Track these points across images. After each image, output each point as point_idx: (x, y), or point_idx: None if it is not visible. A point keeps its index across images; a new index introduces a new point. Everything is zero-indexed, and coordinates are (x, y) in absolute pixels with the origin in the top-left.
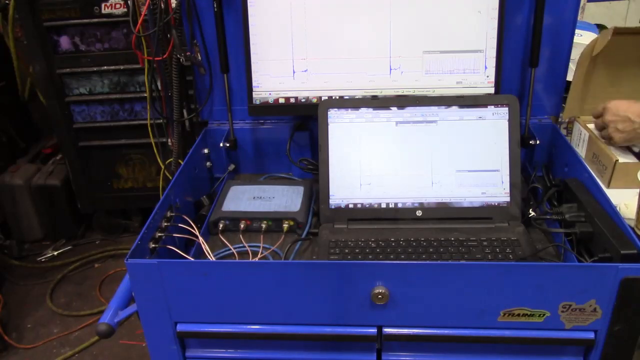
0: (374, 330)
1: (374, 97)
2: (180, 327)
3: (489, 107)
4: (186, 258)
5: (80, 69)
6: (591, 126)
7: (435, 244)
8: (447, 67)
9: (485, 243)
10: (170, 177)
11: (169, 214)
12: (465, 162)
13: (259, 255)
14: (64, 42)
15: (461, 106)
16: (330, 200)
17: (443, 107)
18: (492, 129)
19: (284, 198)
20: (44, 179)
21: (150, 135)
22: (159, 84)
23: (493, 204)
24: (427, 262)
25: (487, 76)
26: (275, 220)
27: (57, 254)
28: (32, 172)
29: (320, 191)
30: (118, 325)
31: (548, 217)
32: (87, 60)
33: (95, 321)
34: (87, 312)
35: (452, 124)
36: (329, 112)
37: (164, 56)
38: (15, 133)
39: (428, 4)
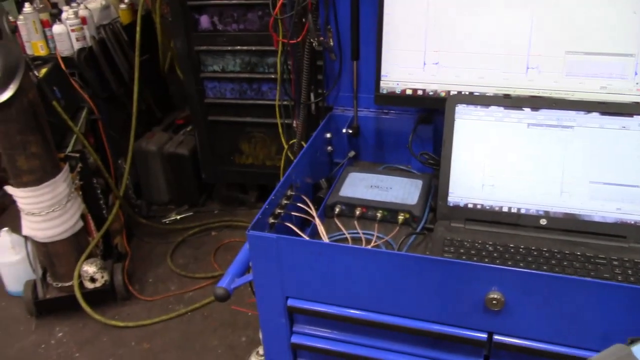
0: (484, 336)
1: (507, 96)
2: (290, 302)
3: (635, 116)
4: (302, 237)
5: (216, 47)
6: None
7: (558, 256)
8: (591, 69)
9: (615, 262)
10: (292, 158)
11: (289, 192)
12: (602, 174)
13: (372, 244)
14: (204, 21)
15: (603, 113)
16: (449, 197)
17: (582, 112)
18: (636, 141)
19: (402, 190)
20: (174, 147)
21: (277, 115)
22: (289, 66)
23: (629, 222)
24: (551, 273)
25: (637, 83)
26: (391, 211)
27: (180, 218)
28: (164, 140)
29: (439, 187)
30: (233, 291)
31: None
32: (222, 39)
33: (208, 285)
34: (201, 275)
35: (591, 131)
36: (456, 108)
37: (298, 39)
38: (154, 103)
39: (577, 0)
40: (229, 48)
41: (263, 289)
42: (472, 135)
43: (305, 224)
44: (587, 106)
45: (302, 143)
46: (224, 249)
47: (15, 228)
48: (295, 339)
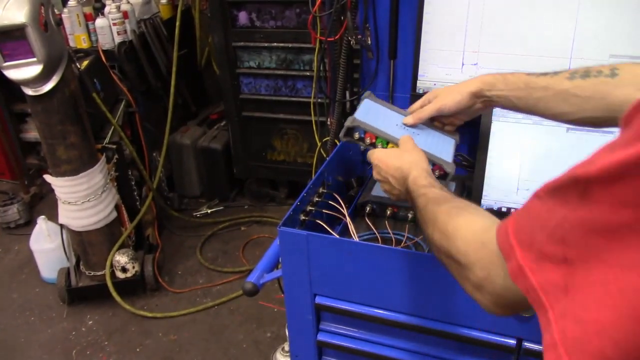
0: (513, 342)
1: None
2: (318, 300)
3: None
4: (332, 234)
5: (253, 43)
6: None
7: None
8: None
9: None
10: (325, 155)
11: (320, 190)
12: None
13: (402, 244)
14: (242, 17)
15: None
16: (482, 200)
17: None
18: None
19: None
20: (207, 142)
21: (312, 113)
22: (326, 64)
23: None
24: None
25: None
26: None
27: (210, 212)
28: (198, 135)
29: (473, 189)
30: (262, 287)
31: None
32: (259, 35)
33: (235, 279)
34: (229, 269)
35: None
36: (494, 110)
37: (336, 37)
38: (190, 97)
39: (622, 2)
40: (266, 44)
41: (291, 286)
42: (509, 137)
43: (336, 222)
44: None
45: (336, 141)
46: (252, 244)
47: (52, 216)
48: (321, 337)
